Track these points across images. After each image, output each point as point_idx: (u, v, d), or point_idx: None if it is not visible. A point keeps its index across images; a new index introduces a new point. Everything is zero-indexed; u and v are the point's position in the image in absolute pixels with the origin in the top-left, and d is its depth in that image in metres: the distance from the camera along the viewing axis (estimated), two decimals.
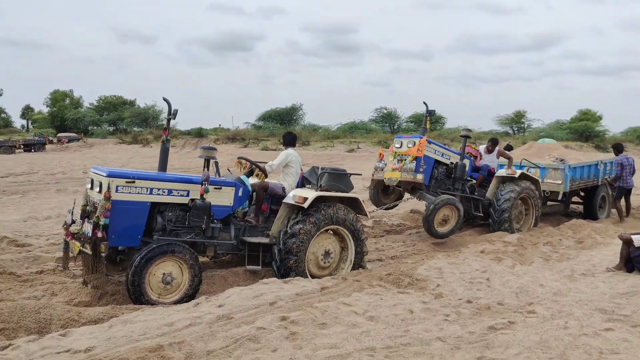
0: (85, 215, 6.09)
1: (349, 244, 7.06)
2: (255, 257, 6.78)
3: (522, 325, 4.95)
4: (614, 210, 12.22)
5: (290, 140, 7.74)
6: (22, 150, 38.84)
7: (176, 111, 6.64)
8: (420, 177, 9.15)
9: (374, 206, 10.21)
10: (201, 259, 6.49)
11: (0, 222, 9.56)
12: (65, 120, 61.18)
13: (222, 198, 6.58)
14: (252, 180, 7.27)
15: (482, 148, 11.14)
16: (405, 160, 9.21)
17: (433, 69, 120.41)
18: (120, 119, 59.07)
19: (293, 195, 6.73)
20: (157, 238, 6.03)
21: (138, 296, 5.51)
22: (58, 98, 66.27)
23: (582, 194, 12.19)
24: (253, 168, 7.33)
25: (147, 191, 5.99)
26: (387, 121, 53.76)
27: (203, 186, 6.20)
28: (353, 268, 7.03)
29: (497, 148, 10.81)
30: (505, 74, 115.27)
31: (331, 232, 6.96)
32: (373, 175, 9.90)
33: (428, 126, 10.58)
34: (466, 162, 9.91)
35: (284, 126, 53.11)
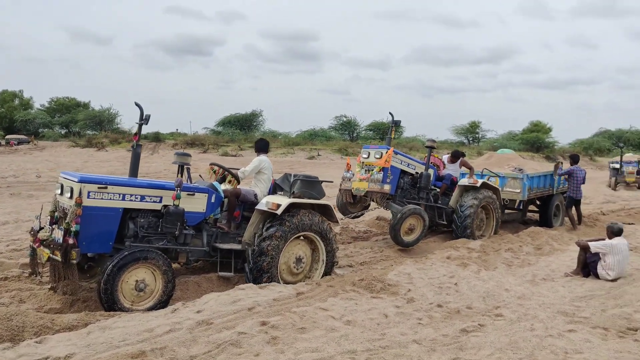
0: (54, 221, 5.95)
1: (320, 251, 7.14)
2: (227, 263, 6.77)
3: (492, 327, 5.16)
4: (567, 219, 12.81)
5: (262, 147, 7.79)
6: None
7: (148, 116, 6.56)
8: (387, 187, 9.37)
9: (341, 214, 10.35)
10: (173, 265, 6.43)
11: None
12: (14, 121, 58.78)
13: (195, 204, 6.54)
14: (225, 186, 7.27)
15: (445, 157, 11.49)
16: (373, 170, 9.39)
17: (391, 78, 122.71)
18: (74, 121, 57.21)
19: (266, 201, 6.76)
20: (129, 244, 5.94)
21: (111, 304, 5.41)
22: (7, 99, 63.61)
23: (538, 202, 12.73)
24: (225, 174, 7.33)
25: (119, 197, 5.90)
26: (347, 129, 54.29)
27: (175, 192, 6.16)
28: (324, 274, 7.12)
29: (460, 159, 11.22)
30: (461, 85, 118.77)
31: (302, 238, 7.03)
32: (341, 185, 10.06)
33: (393, 136, 10.83)
34: (431, 171, 10.21)
35: (243, 132, 52.78)
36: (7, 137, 48.98)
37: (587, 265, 7.54)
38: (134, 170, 6.52)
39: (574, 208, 12.38)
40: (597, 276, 7.42)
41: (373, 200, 10.15)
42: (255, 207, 6.89)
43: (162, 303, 5.70)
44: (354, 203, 10.47)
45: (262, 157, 7.56)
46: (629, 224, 12.40)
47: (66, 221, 5.55)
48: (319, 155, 41.41)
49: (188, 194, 6.41)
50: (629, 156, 26.78)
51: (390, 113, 10.53)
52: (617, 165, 24.11)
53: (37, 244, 5.80)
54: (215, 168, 7.46)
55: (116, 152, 40.34)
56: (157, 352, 3.93)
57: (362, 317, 5.19)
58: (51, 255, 5.56)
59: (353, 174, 9.83)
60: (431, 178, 10.19)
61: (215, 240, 6.76)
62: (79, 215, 5.53)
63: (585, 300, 6.32)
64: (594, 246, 7.43)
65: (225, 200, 7.10)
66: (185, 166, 6.68)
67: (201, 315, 4.79)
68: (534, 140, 46.32)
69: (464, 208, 9.98)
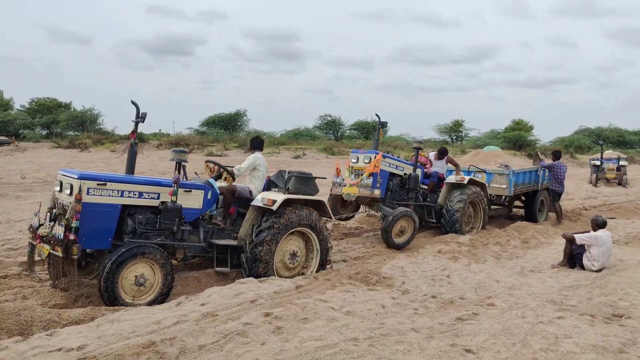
0: (53, 218, 6.01)
1: (314, 246, 7.30)
2: (223, 259, 6.89)
3: (485, 316, 5.37)
4: (551, 214, 13.16)
5: (257, 145, 7.90)
6: None
7: (144, 114, 6.65)
8: (377, 192, 9.56)
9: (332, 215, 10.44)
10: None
11: None
12: None
13: (192, 201, 6.65)
14: (220, 183, 7.38)
15: (431, 155, 11.73)
16: (362, 175, 9.54)
17: (374, 77, 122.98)
18: (55, 122, 56.42)
19: (262, 197, 6.89)
20: (128, 240, 6.03)
21: (112, 301, 5.51)
22: None
23: (523, 198, 13.04)
24: (221, 171, 7.44)
25: (118, 194, 5.99)
26: (332, 128, 54.45)
27: (172, 188, 6.26)
28: (318, 269, 7.27)
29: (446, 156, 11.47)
30: (442, 85, 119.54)
31: (297, 234, 7.17)
32: (332, 190, 10.18)
33: (381, 137, 11.03)
34: (418, 171, 10.42)
35: (228, 132, 52.59)
36: None
37: (573, 256, 7.82)
38: (130, 168, 6.61)
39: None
40: (582, 267, 7.70)
41: (363, 204, 10.34)
42: (251, 204, 7.01)
43: (163, 296, 5.82)
44: (344, 206, 10.63)
45: (257, 154, 7.67)
46: (611, 218, 12.76)
47: (66, 217, 5.62)
48: (304, 154, 41.50)
49: (185, 191, 6.51)
50: (608, 153, 27.34)
51: (376, 114, 10.73)
52: (598, 162, 24.66)
53: (37, 241, 5.86)
54: (211, 165, 7.57)
55: (100, 152, 39.94)
56: (167, 342, 4.05)
57: (361, 308, 5.37)
58: (52, 251, 5.63)
59: (343, 179, 9.97)
60: (419, 179, 10.40)
61: (212, 237, 6.87)
62: (78, 211, 5.60)
63: (572, 290, 6.58)
64: (579, 238, 7.70)
65: (221, 197, 7.21)
66: (182, 163, 6.78)
67: (206, 308, 4.92)
68: (516, 138, 46.94)
69: (452, 205, 10.20)
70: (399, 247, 9.30)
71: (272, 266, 6.65)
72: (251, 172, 7.59)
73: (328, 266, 7.38)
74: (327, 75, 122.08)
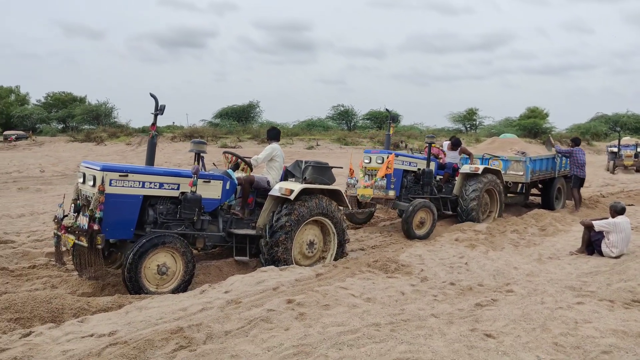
0: (77, 209, 6.15)
1: (332, 234, 7.37)
2: (242, 248, 7.00)
3: (504, 302, 5.42)
4: (568, 202, 13.10)
5: (274, 135, 7.98)
6: None
7: (163, 106, 6.74)
8: (392, 193, 9.56)
9: (349, 222, 10.42)
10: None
11: None
12: (10, 117, 58.60)
13: (211, 191, 6.75)
14: (238, 174, 7.48)
15: (445, 144, 11.71)
16: (376, 176, 9.54)
17: (386, 67, 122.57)
18: (71, 116, 57.06)
19: (279, 187, 6.98)
20: (150, 230, 6.17)
21: (137, 290, 5.64)
22: (3, 94, 63.35)
23: (539, 186, 12.99)
24: (239, 162, 7.54)
25: (139, 185, 6.10)
26: (344, 118, 54.41)
27: (192, 179, 6.36)
28: (336, 257, 7.36)
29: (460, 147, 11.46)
30: (456, 73, 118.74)
31: (314, 223, 7.25)
32: (346, 191, 10.19)
33: (392, 132, 11.03)
34: (432, 165, 10.41)
35: (241, 123, 52.79)
36: (5, 133, 48.87)
37: (592, 243, 7.81)
38: (150, 159, 6.72)
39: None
40: (601, 254, 7.69)
41: (379, 204, 10.32)
42: (269, 193, 7.11)
43: (185, 283, 5.95)
44: (359, 206, 10.65)
45: (274, 145, 7.75)
46: (629, 205, 12.67)
47: (90, 208, 5.76)
48: (317, 145, 41.56)
49: (204, 181, 6.62)
50: (626, 140, 27.05)
51: (387, 109, 10.67)
52: (615, 149, 24.42)
53: (62, 231, 6.01)
54: (229, 156, 7.67)
55: (115, 146, 40.42)
56: (194, 328, 4.17)
57: (381, 295, 5.45)
58: (76, 241, 5.77)
59: (357, 180, 9.99)
60: (433, 173, 10.40)
61: (231, 226, 6.98)
62: (102, 202, 5.73)
63: (591, 276, 6.59)
64: (598, 225, 7.69)
65: (239, 187, 7.31)
66: (201, 154, 6.88)
67: (229, 295, 5.04)
68: (532, 126, 46.59)
69: (467, 195, 10.20)
70: (420, 239, 9.31)
71: (290, 255, 6.75)
72: (268, 162, 7.68)
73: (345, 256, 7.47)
74: (339, 65, 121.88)
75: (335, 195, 7.49)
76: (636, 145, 24.78)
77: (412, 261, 6.99)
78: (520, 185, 12.22)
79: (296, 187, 6.89)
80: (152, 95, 6.83)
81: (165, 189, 6.34)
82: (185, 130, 48.88)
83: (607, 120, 53.14)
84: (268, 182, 7.50)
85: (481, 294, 5.73)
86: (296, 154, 34.95)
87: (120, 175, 5.95)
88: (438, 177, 10.86)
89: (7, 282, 5.78)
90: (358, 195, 9.64)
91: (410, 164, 10.25)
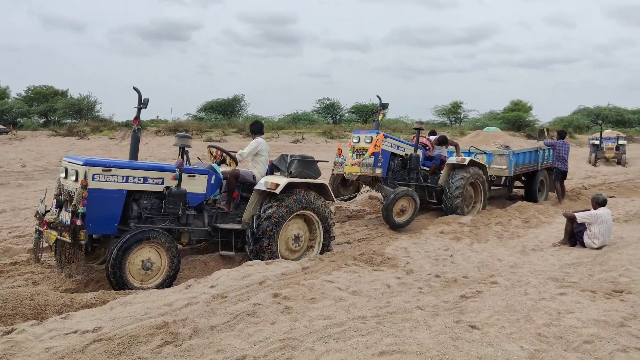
0: (59, 204, 6.07)
1: (317, 228, 7.37)
2: (227, 243, 6.97)
3: (489, 293, 5.48)
4: (551, 194, 13.26)
5: (258, 129, 7.93)
6: None
7: (147, 100, 6.67)
8: (379, 171, 9.64)
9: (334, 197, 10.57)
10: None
11: None
12: None
13: (196, 186, 6.70)
14: (223, 168, 7.44)
15: (432, 138, 11.77)
16: (364, 155, 9.61)
17: (371, 60, 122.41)
18: (52, 110, 56.18)
19: (265, 181, 6.96)
20: (134, 226, 6.11)
21: (121, 286, 5.59)
22: None
23: (523, 178, 13.13)
24: (224, 156, 7.49)
25: (123, 179, 6.04)
26: (330, 112, 54.31)
27: (174, 173, 6.31)
28: (321, 251, 7.36)
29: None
30: (440, 66, 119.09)
31: (300, 217, 7.23)
32: (333, 170, 10.27)
33: (381, 118, 11.08)
34: (420, 152, 10.49)
35: (226, 117, 52.48)
36: None
37: (574, 235, 7.92)
38: (134, 154, 6.65)
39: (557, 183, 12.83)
40: (583, 245, 7.81)
41: (365, 184, 10.43)
42: (254, 188, 7.08)
43: (171, 278, 5.92)
44: (345, 186, 10.74)
45: (259, 139, 7.71)
46: (610, 197, 12.86)
47: (73, 203, 5.68)
48: (303, 139, 41.47)
49: (189, 176, 6.57)
50: (608, 133, 27.40)
51: (377, 96, 10.76)
52: (597, 142, 24.72)
53: (44, 227, 5.92)
54: (214, 150, 7.62)
55: (98, 140, 39.91)
56: (179, 323, 4.15)
57: (367, 288, 5.47)
58: (59, 237, 5.70)
59: (345, 159, 10.04)
60: (420, 159, 10.48)
61: (216, 221, 6.94)
62: (85, 197, 5.66)
63: (574, 267, 6.69)
64: (580, 216, 7.80)
65: (224, 181, 7.27)
66: (185, 148, 6.82)
67: (215, 290, 5.02)
68: (515, 119, 46.91)
69: (452, 186, 10.28)
70: (400, 227, 9.39)
71: (276, 249, 6.74)
72: (254, 157, 7.64)
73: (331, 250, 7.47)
74: (324, 59, 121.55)
75: (321, 189, 7.48)
76: (617, 138, 25.13)
77: (398, 254, 7.03)
78: (503, 178, 12.34)
79: (282, 181, 6.87)
80: (135, 89, 6.76)
81: (149, 183, 6.27)
82: (169, 124, 48.44)
83: (589, 113, 53.74)
84: (253, 176, 7.47)
85: (466, 286, 5.78)
86: (282, 148, 34.88)
87: (103, 170, 5.88)
88: (425, 168, 10.93)
89: None
90: (345, 172, 9.69)
91: (398, 147, 10.32)
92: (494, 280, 6.00)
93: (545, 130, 13.63)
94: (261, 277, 5.44)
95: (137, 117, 6.82)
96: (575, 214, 7.93)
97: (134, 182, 6.13)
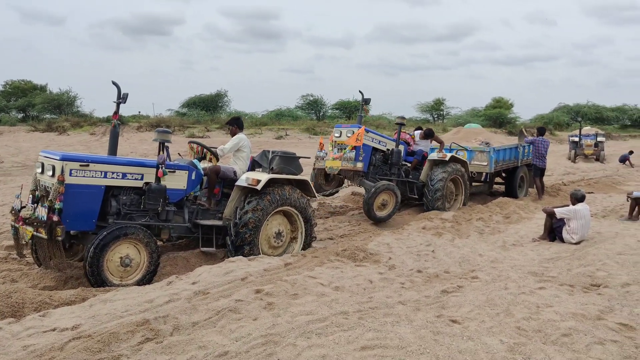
0: (35, 200, 5.97)
1: (299, 224, 7.37)
2: (208, 239, 6.94)
3: (470, 288, 5.53)
4: (531, 190, 13.43)
5: (240, 124, 7.90)
6: None
7: (126, 95, 6.61)
8: (360, 165, 9.67)
9: (316, 192, 10.58)
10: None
11: None
12: None
13: (176, 181, 6.65)
14: (204, 164, 7.39)
15: (417, 133, 11.84)
16: (345, 149, 9.63)
17: (354, 56, 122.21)
18: (31, 105, 55.17)
19: (246, 177, 6.93)
20: (112, 222, 6.04)
21: (100, 284, 5.53)
22: None
23: (503, 174, 13.28)
24: (205, 152, 7.44)
25: (101, 175, 5.96)
26: (314, 108, 54.26)
27: (160, 169, 6.25)
28: (303, 247, 7.36)
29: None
30: (423, 63, 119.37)
31: (281, 213, 7.22)
32: (315, 164, 10.28)
33: (364, 114, 11.11)
34: (401, 147, 10.54)
35: (209, 113, 52.08)
36: None
37: (553, 230, 8.04)
38: (113, 149, 6.58)
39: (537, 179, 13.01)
40: (562, 240, 7.93)
41: (346, 178, 10.45)
42: (235, 184, 7.05)
43: (151, 274, 5.87)
44: (327, 181, 10.76)
45: (241, 135, 7.68)
46: (589, 192, 13.08)
47: (49, 199, 5.59)
48: (287, 135, 41.40)
49: (169, 171, 6.51)
50: (587, 130, 27.84)
51: (360, 91, 10.80)
52: (576, 139, 25.11)
53: (19, 223, 5.82)
54: (195, 146, 7.57)
55: (79, 135, 39.32)
56: (160, 320, 4.12)
57: (349, 283, 5.48)
58: (35, 233, 5.61)
59: (326, 153, 10.05)
60: (402, 154, 10.53)
61: (196, 217, 6.90)
62: (62, 193, 5.57)
63: (553, 262, 6.79)
64: (559, 212, 7.92)
65: (205, 177, 7.23)
66: (165, 143, 6.76)
67: (197, 286, 4.98)
68: (497, 116, 47.37)
69: (434, 181, 10.36)
70: (381, 221, 9.44)
71: (257, 245, 6.72)
72: (235, 152, 7.61)
73: (313, 245, 7.48)
74: (307, 55, 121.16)
75: (303, 185, 7.48)
76: (596, 135, 25.55)
77: (380, 249, 7.06)
78: (484, 174, 12.48)
79: (263, 177, 6.85)
80: (114, 84, 6.68)
81: (128, 179, 6.21)
82: (151, 119, 47.91)
83: (568, 110, 54.46)
84: (235, 173, 7.43)
85: (447, 281, 5.83)
86: (265, 144, 34.77)
87: (80, 165, 5.80)
88: (407, 163, 10.99)
89: None
90: (326, 167, 9.70)
91: (379, 142, 10.35)
92: (475, 275, 6.07)
93: (523, 129, 13.81)
94: (243, 274, 5.42)
95: (116, 112, 6.75)
96: (555, 209, 8.05)
97: (113, 178, 6.06)
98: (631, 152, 23.86)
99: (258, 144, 34.66)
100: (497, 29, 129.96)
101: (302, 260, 6.35)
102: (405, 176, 10.71)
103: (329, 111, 54.39)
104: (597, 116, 52.06)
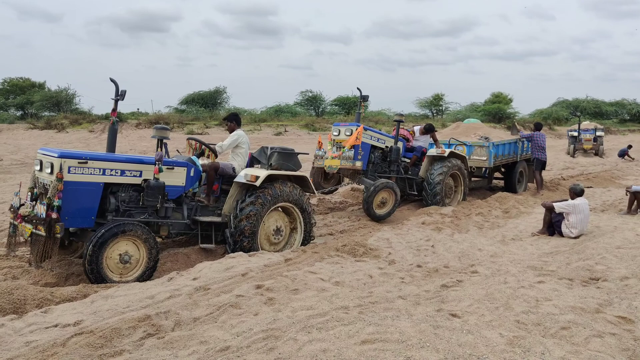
0: (34, 197, 5.98)
1: (298, 220, 7.38)
2: (207, 236, 6.95)
3: (469, 282, 5.56)
4: (530, 184, 13.47)
5: (238, 120, 7.90)
6: None
7: (124, 92, 6.60)
8: (359, 164, 9.68)
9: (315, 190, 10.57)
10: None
11: None
12: None
13: (175, 178, 6.66)
14: (203, 160, 7.40)
15: (416, 129, 11.85)
16: (344, 148, 9.63)
17: (353, 52, 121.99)
18: (29, 102, 55.10)
19: (245, 174, 6.94)
20: (111, 219, 6.05)
21: (99, 281, 5.54)
22: None
23: (502, 169, 13.31)
24: (203, 149, 7.45)
25: (99, 172, 5.97)
26: (313, 104, 54.21)
27: (157, 166, 6.26)
28: (302, 243, 7.37)
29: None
30: (422, 58, 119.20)
31: (280, 209, 7.24)
32: (314, 163, 10.28)
33: (362, 111, 11.12)
34: (400, 144, 10.55)
35: (208, 110, 52.04)
36: None
37: (552, 224, 8.06)
38: (111, 146, 6.58)
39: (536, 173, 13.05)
40: (561, 234, 7.96)
41: (346, 177, 10.46)
42: (234, 180, 7.05)
43: (150, 270, 5.89)
44: (326, 180, 10.77)
45: (240, 131, 7.68)
46: (588, 187, 13.12)
47: (48, 196, 5.60)
48: (286, 131, 41.38)
49: (167, 168, 6.52)
50: (586, 124, 27.87)
51: (358, 88, 10.80)
52: (575, 133, 25.11)
53: (18, 220, 5.83)
54: (193, 143, 7.56)
55: (77, 133, 39.28)
56: (162, 315, 4.14)
57: (349, 278, 5.51)
58: (34, 230, 5.62)
59: (325, 152, 10.04)
60: (401, 151, 10.54)
61: (195, 214, 6.91)
62: (60, 190, 5.58)
63: (552, 256, 6.82)
64: (558, 206, 7.94)
65: (204, 174, 7.23)
66: (164, 140, 6.76)
67: (198, 282, 5.01)
68: (496, 111, 47.34)
69: (433, 177, 10.37)
70: (380, 219, 9.46)
71: (256, 242, 6.74)
72: (234, 149, 7.61)
73: (312, 241, 7.49)
74: (305, 51, 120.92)
75: (301, 181, 7.49)
76: (595, 130, 25.57)
77: (380, 245, 7.08)
78: (483, 169, 12.50)
79: (262, 173, 6.86)
80: (112, 80, 6.67)
81: (127, 176, 6.21)
82: (150, 116, 47.83)
83: (567, 105, 54.45)
84: (233, 169, 7.44)
85: (447, 276, 5.86)
86: (264, 140, 34.74)
87: (79, 162, 5.80)
88: (406, 160, 11.00)
89: None
90: (325, 166, 9.72)
91: (378, 140, 10.36)
92: (475, 269, 6.09)
93: (515, 123, 13.89)
94: (244, 269, 5.44)
95: (114, 109, 6.74)
96: (554, 204, 8.07)
97: (111, 175, 6.06)
98: (630, 147, 23.88)
99: (257, 140, 34.63)
100: (495, 24, 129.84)
101: (302, 255, 6.38)
102: (404, 173, 10.72)
103: (328, 107, 54.34)
104: (596, 111, 52.06)
